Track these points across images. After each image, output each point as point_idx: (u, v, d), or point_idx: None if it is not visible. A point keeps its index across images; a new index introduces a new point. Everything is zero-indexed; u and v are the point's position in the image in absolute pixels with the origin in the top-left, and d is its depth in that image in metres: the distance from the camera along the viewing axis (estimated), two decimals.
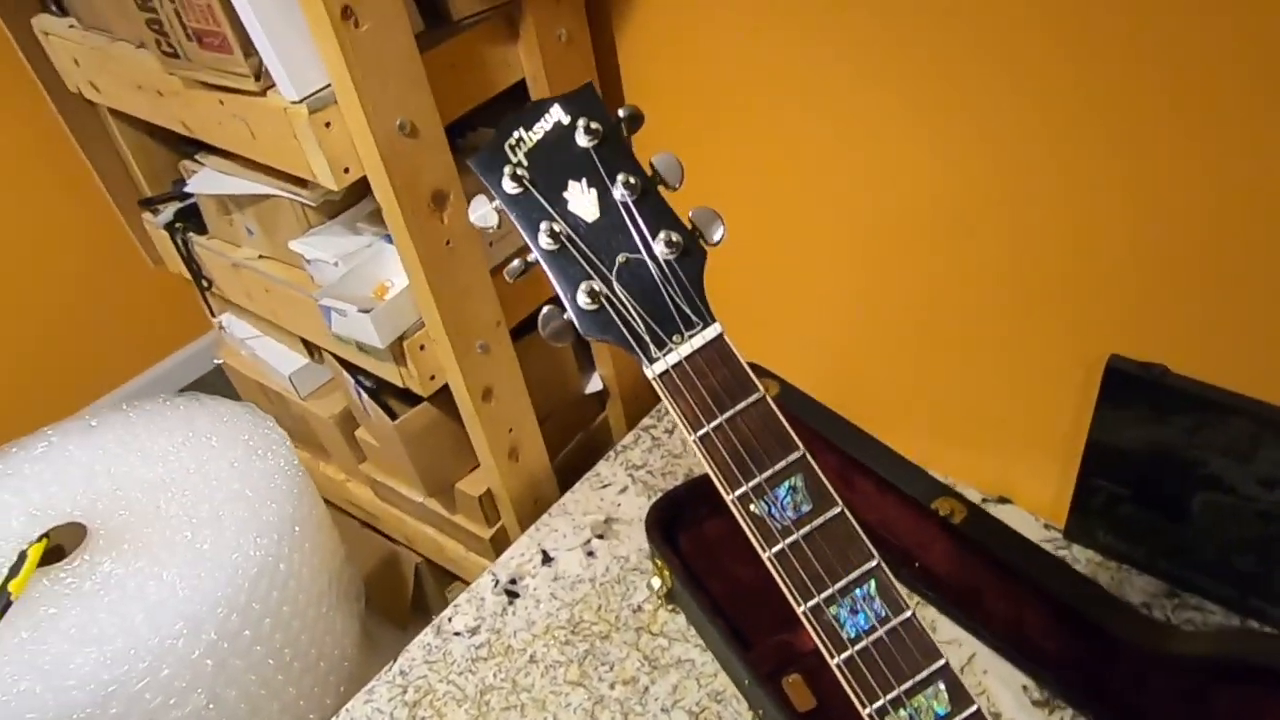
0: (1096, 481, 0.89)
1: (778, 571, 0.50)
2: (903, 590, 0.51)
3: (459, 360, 0.95)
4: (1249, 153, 0.68)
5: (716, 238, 0.50)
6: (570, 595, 0.99)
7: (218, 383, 1.71)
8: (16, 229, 1.76)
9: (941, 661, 0.50)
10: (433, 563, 1.40)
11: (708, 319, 0.50)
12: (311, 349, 1.23)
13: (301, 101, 0.77)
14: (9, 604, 0.95)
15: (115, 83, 0.99)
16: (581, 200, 0.51)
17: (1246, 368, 0.77)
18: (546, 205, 0.51)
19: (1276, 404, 0.75)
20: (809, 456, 0.50)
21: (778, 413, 0.50)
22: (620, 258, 0.50)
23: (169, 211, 1.16)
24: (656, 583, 0.94)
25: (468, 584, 1.44)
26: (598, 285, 0.50)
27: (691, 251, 0.50)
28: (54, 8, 1.04)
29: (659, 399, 0.51)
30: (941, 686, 0.50)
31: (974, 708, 0.50)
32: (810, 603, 0.50)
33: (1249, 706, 0.60)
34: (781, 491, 0.50)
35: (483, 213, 0.52)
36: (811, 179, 0.96)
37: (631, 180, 0.50)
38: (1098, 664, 0.68)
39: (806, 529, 0.50)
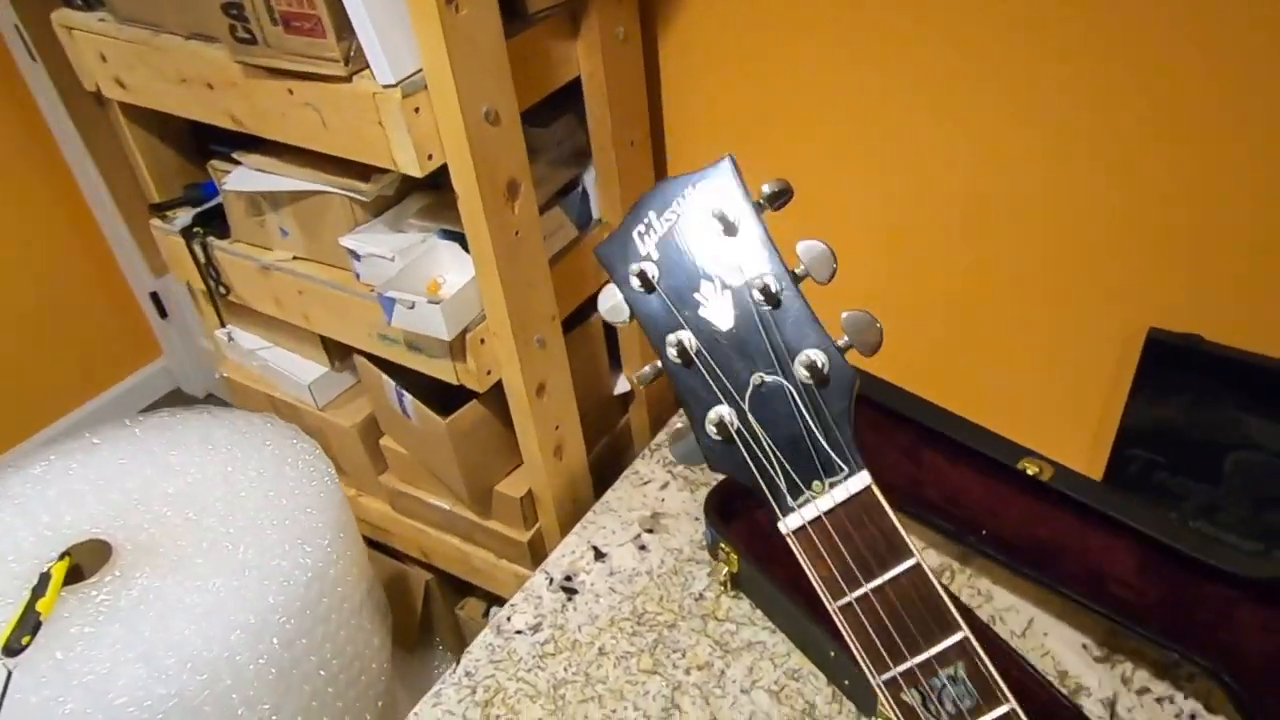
0: (1132, 451, 0.95)
1: None
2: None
3: (519, 353, 0.96)
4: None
5: (869, 353, 0.43)
6: (629, 588, 0.99)
7: (177, 405, 1.64)
8: None
9: None
10: (445, 578, 1.37)
11: (854, 465, 0.43)
12: (333, 357, 1.20)
13: (396, 85, 0.78)
14: (39, 624, 0.90)
15: (154, 77, 0.96)
16: (714, 305, 0.43)
17: (1276, 332, 0.85)
18: (675, 311, 0.44)
19: None
20: (972, 640, 0.43)
21: (936, 584, 0.43)
22: (755, 379, 0.43)
23: (186, 216, 1.13)
24: (723, 569, 0.95)
25: (485, 598, 1.42)
26: (727, 414, 0.43)
27: (837, 379, 0.42)
28: (80, 1, 1.00)
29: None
30: None
31: None
32: None
33: None
34: (939, 682, 0.43)
35: (613, 305, 0.45)
36: (852, 167, 1.01)
37: (770, 285, 0.42)
38: (1185, 601, 0.73)
39: None
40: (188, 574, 0.94)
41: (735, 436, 0.43)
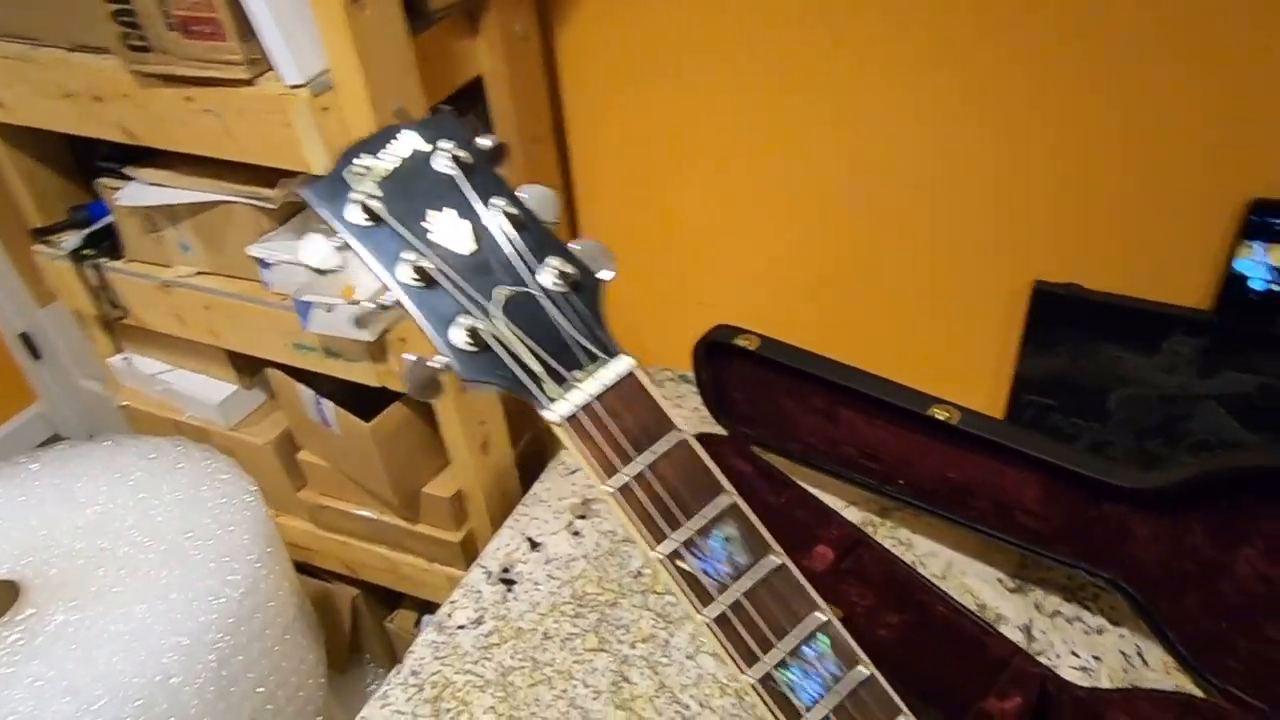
0: (1028, 397, 1.03)
1: (717, 638, 0.45)
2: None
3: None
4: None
5: (608, 276, 0.46)
6: (567, 573, 1.01)
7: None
8: None
9: None
10: (373, 591, 1.35)
11: (614, 351, 0.45)
12: (242, 374, 1.17)
13: (304, 85, 0.77)
14: None
15: (34, 93, 0.93)
16: (450, 232, 0.44)
17: (1148, 277, 0.93)
18: (408, 236, 0.43)
19: (1171, 302, 0.92)
20: (740, 502, 0.46)
21: (704, 456, 0.46)
22: (503, 291, 0.44)
23: (75, 239, 1.08)
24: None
25: (415, 608, 1.40)
26: (480, 323, 0.43)
27: (584, 284, 0.45)
28: None
29: None
30: None
31: None
32: (758, 671, 0.45)
33: (1225, 532, 0.73)
34: (714, 544, 0.45)
35: (322, 254, 0.43)
36: (746, 148, 1.05)
37: (509, 209, 0.45)
38: (1085, 522, 0.80)
39: (748, 583, 0.45)
40: (109, 603, 0.91)
41: (491, 342, 0.43)
